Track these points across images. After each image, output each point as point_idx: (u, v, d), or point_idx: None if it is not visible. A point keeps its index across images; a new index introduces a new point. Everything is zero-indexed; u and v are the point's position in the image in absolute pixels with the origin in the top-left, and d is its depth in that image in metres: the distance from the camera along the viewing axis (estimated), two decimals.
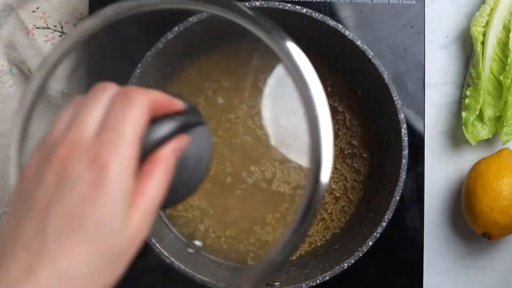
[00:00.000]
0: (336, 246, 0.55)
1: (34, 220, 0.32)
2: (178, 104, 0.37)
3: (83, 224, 0.32)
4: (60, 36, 0.64)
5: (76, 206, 0.32)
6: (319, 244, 0.55)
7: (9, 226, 0.33)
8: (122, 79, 0.55)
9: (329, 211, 0.55)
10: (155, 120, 0.36)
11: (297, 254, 0.55)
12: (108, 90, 0.35)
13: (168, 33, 0.55)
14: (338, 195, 0.56)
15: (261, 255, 0.55)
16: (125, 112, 0.34)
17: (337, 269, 0.53)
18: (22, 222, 0.33)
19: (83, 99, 0.36)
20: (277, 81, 0.54)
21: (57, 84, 0.64)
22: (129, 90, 0.35)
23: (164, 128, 0.36)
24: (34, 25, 0.64)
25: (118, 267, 0.33)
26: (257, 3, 0.55)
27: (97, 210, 0.32)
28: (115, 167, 0.32)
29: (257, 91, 0.55)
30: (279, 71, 0.55)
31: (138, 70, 0.55)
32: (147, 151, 0.35)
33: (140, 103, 0.34)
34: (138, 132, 0.34)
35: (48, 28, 0.64)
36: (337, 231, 0.56)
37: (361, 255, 0.53)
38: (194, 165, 0.39)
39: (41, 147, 0.35)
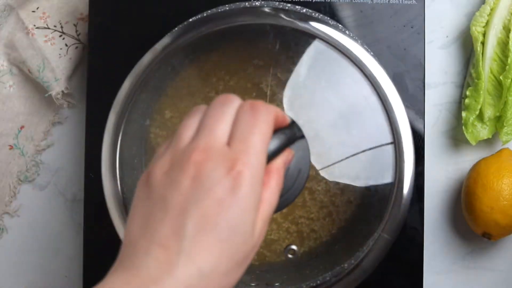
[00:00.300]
0: (337, 247, 0.55)
1: (170, 219, 0.34)
2: (288, 119, 0.41)
3: (219, 226, 0.34)
4: (60, 36, 0.64)
5: (213, 209, 0.34)
6: (324, 240, 0.55)
7: (136, 224, 0.35)
8: (122, 79, 0.55)
9: (336, 203, 0.55)
10: None
11: (301, 251, 0.55)
12: (234, 102, 0.38)
13: (168, 33, 0.55)
14: (342, 186, 0.56)
15: (265, 255, 0.55)
16: (255, 124, 0.37)
17: (337, 269, 0.53)
18: (155, 221, 0.35)
19: (208, 109, 0.38)
20: (277, 81, 0.54)
21: (57, 85, 0.64)
22: (256, 103, 0.38)
23: (277, 141, 0.40)
24: (34, 25, 0.64)
25: (241, 270, 0.36)
26: (257, 3, 0.55)
27: (232, 214, 0.34)
28: (248, 176, 0.35)
29: (258, 91, 0.55)
30: (290, 85, 0.54)
31: (131, 74, 0.55)
32: (268, 160, 0.39)
33: (267, 116, 0.37)
34: (266, 144, 0.37)
35: (48, 28, 0.64)
36: (343, 224, 0.55)
37: (361, 255, 0.53)
38: (296, 175, 0.43)
39: (169, 151, 0.37)
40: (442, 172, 0.64)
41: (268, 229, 0.54)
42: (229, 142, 0.36)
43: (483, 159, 0.61)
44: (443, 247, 0.64)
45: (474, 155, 0.64)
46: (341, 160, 0.52)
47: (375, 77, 0.51)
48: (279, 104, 0.53)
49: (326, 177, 0.53)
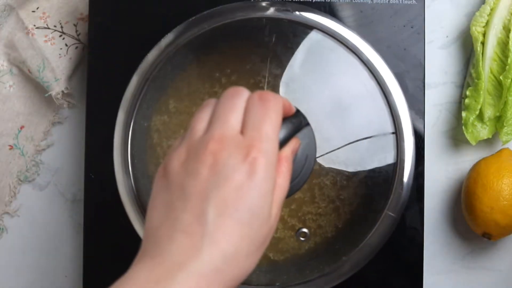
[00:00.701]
0: (337, 247, 0.55)
1: (191, 207, 0.36)
2: (293, 108, 0.43)
3: (239, 210, 0.36)
4: (60, 36, 0.64)
5: (233, 194, 0.36)
6: (329, 235, 0.55)
7: (157, 215, 0.37)
8: (122, 79, 0.55)
9: (341, 197, 0.55)
10: None
11: (306, 247, 0.55)
12: (243, 93, 0.40)
13: (168, 33, 0.55)
14: (348, 175, 0.56)
15: (269, 254, 0.55)
16: (266, 113, 0.38)
17: (338, 277, 0.53)
18: (176, 210, 0.36)
19: (219, 101, 0.40)
20: (276, 72, 0.54)
21: (57, 85, 0.64)
22: (265, 94, 0.39)
23: (285, 130, 0.42)
24: (34, 25, 0.64)
25: (260, 253, 0.37)
26: (264, 4, 0.55)
27: (251, 199, 0.36)
28: (263, 162, 0.36)
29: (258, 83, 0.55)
30: (287, 74, 0.54)
31: (138, 70, 0.55)
32: (278, 148, 0.40)
33: (277, 105, 0.39)
34: (277, 131, 0.39)
35: (48, 28, 0.64)
36: (348, 216, 0.55)
37: (365, 263, 0.53)
38: (303, 162, 0.46)
39: (184, 143, 0.38)
40: (442, 172, 0.64)
41: (282, 234, 0.54)
42: (242, 131, 0.38)
43: (483, 159, 0.61)
44: (443, 247, 0.64)
45: (474, 155, 0.64)
46: (343, 145, 0.53)
47: (372, 63, 0.53)
48: (277, 93, 0.54)
49: (331, 164, 0.53)
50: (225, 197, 0.36)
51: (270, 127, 0.38)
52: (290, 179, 0.40)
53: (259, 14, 0.54)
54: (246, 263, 0.36)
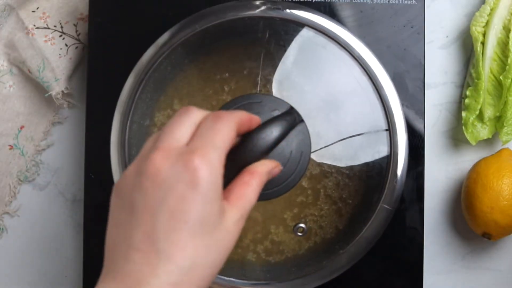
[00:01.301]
0: (337, 247, 0.55)
1: (142, 223, 0.36)
2: (258, 120, 0.43)
3: (188, 222, 0.36)
4: (60, 36, 0.64)
5: (178, 206, 0.36)
6: (328, 236, 0.55)
7: (113, 232, 0.37)
8: (122, 79, 0.55)
9: (344, 195, 0.55)
10: (268, 121, 0.43)
11: (306, 247, 0.55)
12: (192, 111, 0.40)
13: (167, 33, 0.55)
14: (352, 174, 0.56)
15: (271, 255, 0.55)
16: (215, 126, 0.38)
17: (337, 269, 0.53)
18: (129, 227, 0.36)
19: (168, 121, 0.40)
20: (268, 70, 0.54)
21: (57, 85, 0.64)
22: (219, 112, 0.40)
23: (279, 127, 0.43)
24: (34, 25, 0.64)
25: (222, 257, 0.38)
26: (257, 2, 0.55)
27: (198, 208, 0.36)
28: (205, 169, 0.36)
29: (251, 80, 0.55)
30: (280, 72, 0.55)
31: (133, 70, 0.55)
32: (270, 148, 0.43)
33: (230, 120, 0.39)
34: (227, 143, 0.38)
35: (48, 28, 0.64)
36: (346, 212, 0.55)
37: (361, 255, 0.53)
38: (299, 158, 0.47)
39: (135, 161, 0.39)
40: (442, 172, 0.64)
41: (279, 230, 0.55)
42: (189, 142, 0.38)
43: (483, 159, 0.61)
44: (443, 247, 0.64)
45: (474, 155, 0.64)
46: (337, 141, 0.54)
47: (363, 59, 0.54)
48: (270, 91, 0.54)
49: (325, 160, 0.53)
50: (171, 210, 0.36)
51: (217, 136, 0.38)
52: (258, 194, 0.40)
53: (250, 13, 0.55)
54: (208, 271, 0.37)
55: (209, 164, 0.36)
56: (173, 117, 0.40)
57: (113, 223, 0.38)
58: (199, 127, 0.39)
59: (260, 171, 0.41)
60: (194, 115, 0.40)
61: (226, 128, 0.39)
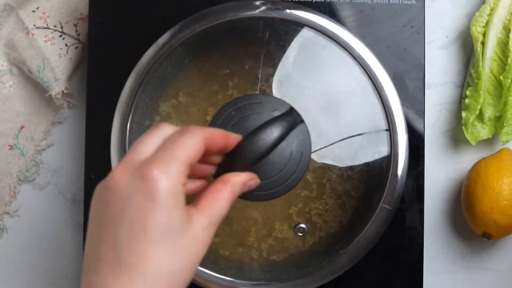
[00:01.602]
0: (337, 247, 0.55)
1: (106, 235, 0.37)
2: (235, 138, 0.43)
3: (147, 230, 0.36)
4: (60, 36, 0.64)
5: (138, 216, 0.36)
6: (332, 231, 0.55)
7: (87, 247, 0.38)
8: (121, 79, 0.55)
9: (351, 192, 0.55)
10: (269, 122, 0.44)
11: (309, 242, 0.55)
12: (162, 128, 0.40)
13: (168, 33, 0.55)
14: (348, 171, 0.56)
15: (272, 255, 0.55)
16: (180, 138, 0.39)
17: (337, 269, 0.53)
18: (96, 240, 0.38)
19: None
20: (268, 70, 0.54)
21: (57, 85, 0.64)
22: (187, 127, 0.40)
23: (280, 128, 0.44)
24: (34, 25, 0.64)
25: (191, 264, 0.38)
26: (257, 2, 0.55)
27: (157, 217, 0.36)
28: (163, 178, 0.37)
29: (252, 80, 0.55)
30: (280, 72, 0.55)
31: (133, 71, 0.55)
32: (271, 148, 0.43)
33: (196, 133, 0.39)
34: (189, 155, 0.38)
35: (48, 28, 0.64)
36: (345, 213, 0.55)
37: (362, 255, 0.53)
38: (299, 158, 0.47)
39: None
40: (442, 172, 0.64)
41: (280, 228, 0.55)
42: (152, 155, 0.39)
43: (483, 159, 0.61)
44: (443, 247, 0.64)
45: (474, 155, 0.64)
46: (338, 141, 0.54)
47: (363, 59, 0.54)
48: (270, 91, 0.54)
49: (325, 160, 0.53)
50: (131, 221, 0.36)
51: (179, 148, 0.38)
52: (230, 203, 0.41)
53: (250, 13, 0.55)
54: (175, 278, 0.37)
55: (167, 174, 0.37)
56: (142, 135, 0.41)
57: (87, 237, 0.39)
58: (166, 140, 0.40)
59: (234, 181, 0.41)
60: (163, 131, 0.40)
61: (190, 140, 0.39)
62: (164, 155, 0.38)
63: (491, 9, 0.61)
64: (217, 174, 0.44)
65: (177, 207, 0.37)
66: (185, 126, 0.41)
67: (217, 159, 0.44)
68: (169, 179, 0.37)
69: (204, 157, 0.42)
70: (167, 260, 0.36)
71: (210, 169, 0.44)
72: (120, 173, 0.38)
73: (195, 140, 0.39)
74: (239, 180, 0.42)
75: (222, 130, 0.43)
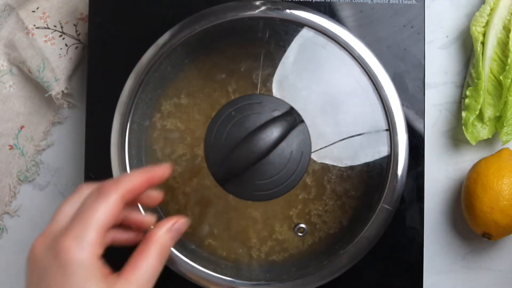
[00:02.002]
0: (337, 247, 0.55)
1: None
2: (162, 170, 0.42)
3: None
4: (60, 36, 0.64)
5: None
6: (332, 231, 0.55)
7: None
8: (121, 79, 0.55)
9: (351, 192, 0.55)
10: (269, 122, 0.44)
11: (309, 242, 0.55)
12: (82, 188, 0.41)
13: (168, 33, 0.55)
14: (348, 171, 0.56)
15: (273, 255, 0.55)
16: (94, 203, 0.38)
17: (337, 269, 0.53)
18: None
19: None
20: (268, 70, 0.54)
21: (57, 85, 0.64)
22: (101, 186, 0.40)
23: (280, 128, 0.44)
24: (34, 25, 0.64)
25: None
26: (257, 2, 0.55)
27: None
28: (76, 252, 0.37)
29: (251, 81, 0.55)
30: (280, 72, 0.55)
31: (133, 71, 0.55)
32: (271, 148, 0.44)
33: (111, 196, 0.39)
34: (105, 221, 0.38)
35: (48, 28, 0.64)
36: (345, 213, 0.55)
37: (362, 255, 0.53)
38: (299, 158, 0.48)
39: None
40: (442, 172, 0.64)
41: (279, 229, 0.55)
42: (68, 225, 0.39)
43: (483, 159, 0.61)
44: (443, 247, 0.64)
45: (474, 155, 0.64)
46: (338, 141, 0.53)
47: (363, 59, 0.54)
48: (270, 91, 0.54)
49: (325, 160, 0.53)
50: None
51: (94, 214, 0.38)
52: (161, 258, 0.40)
53: (250, 13, 0.55)
54: None
55: (80, 245, 0.37)
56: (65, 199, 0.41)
57: None
58: (80, 205, 0.39)
59: (157, 235, 0.41)
60: (80, 194, 0.40)
61: (105, 204, 0.39)
62: (78, 225, 0.38)
63: (491, 9, 0.61)
64: (218, 174, 0.44)
65: (92, 278, 0.37)
66: (102, 182, 0.40)
67: (154, 194, 0.44)
68: (82, 250, 0.37)
69: (136, 200, 0.42)
70: None
71: (141, 217, 0.44)
72: (38, 245, 0.38)
73: (111, 203, 0.39)
74: (162, 231, 0.41)
75: (144, 171, 0.42)
